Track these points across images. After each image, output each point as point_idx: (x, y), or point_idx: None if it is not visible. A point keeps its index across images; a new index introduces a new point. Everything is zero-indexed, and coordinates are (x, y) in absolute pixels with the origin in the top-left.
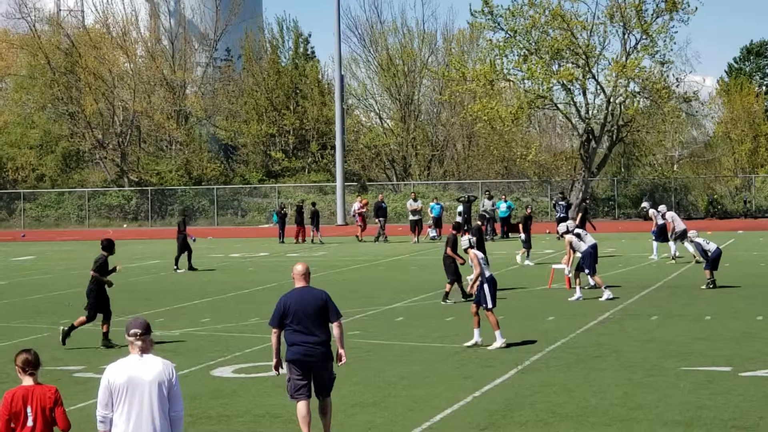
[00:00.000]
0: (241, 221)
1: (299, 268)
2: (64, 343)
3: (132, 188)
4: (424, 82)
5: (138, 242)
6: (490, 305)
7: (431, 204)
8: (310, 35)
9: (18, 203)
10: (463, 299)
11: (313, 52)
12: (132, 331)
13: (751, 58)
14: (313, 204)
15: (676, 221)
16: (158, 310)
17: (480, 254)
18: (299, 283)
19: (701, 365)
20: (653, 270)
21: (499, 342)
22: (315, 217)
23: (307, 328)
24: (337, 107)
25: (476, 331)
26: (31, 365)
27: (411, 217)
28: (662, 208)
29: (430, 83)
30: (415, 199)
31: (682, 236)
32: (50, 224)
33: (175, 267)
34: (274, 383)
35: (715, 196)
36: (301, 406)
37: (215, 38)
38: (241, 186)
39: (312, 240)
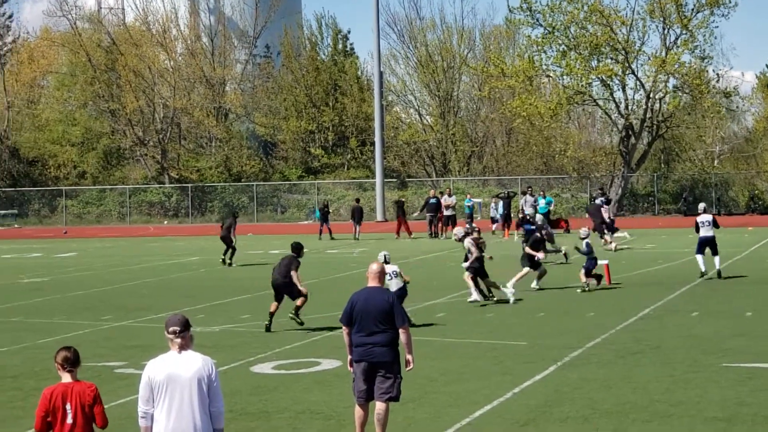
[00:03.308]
0: (281, 218)
1: (374, 267)
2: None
3: (172, 185)
4: (463, 78)
5: (178, 239)
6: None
7: (465, 200)
8: (349, 32)
9: (60, 200)
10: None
11: (352, 49)
12: (171, 329)
13: None
14: (357, 200)
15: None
16: (198, 307)
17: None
18: (371, 283)
19: (742, 361)
20: (693, 266)
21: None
22: (357, 213)
23: (368, 329)
24: (377, 103)
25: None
26: (71, 362)
27: (445, 213)
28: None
29: (469, 79)
30: (449, 195)
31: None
32: (92, 221)
33: (230, 262)
34: (315, 379)
35: (756, 192)
36: (358, 408)
37: (254, 35)
38: (280, 182)
39: (355, 236)
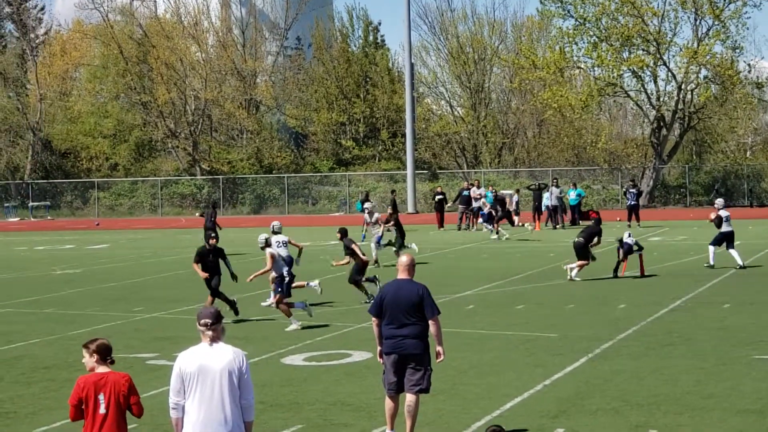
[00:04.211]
0: (312, 210)
1: (404, 259)
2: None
3: (204, 177)
4: (495, 70)
5: None
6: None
7: (486, 192)
8: (380, 23)
9: (92, 192)
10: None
11: (383, 41)
12: (203, 321)
13: None
14: (393, 192)
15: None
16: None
17: (275, 251)
18: (402, 275)
19: None
20: (726, 258)
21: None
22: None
23: (398, 321)
24: (408, 95)
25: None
26: (103, 353)
27: (474, 204)
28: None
29: (500, 71)
30: (477, 186)
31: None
32: (124, 213)
33: None
34: (347, 371)
35: None
36: (389, 400)
37: (285, 27)
38: (311, 174)
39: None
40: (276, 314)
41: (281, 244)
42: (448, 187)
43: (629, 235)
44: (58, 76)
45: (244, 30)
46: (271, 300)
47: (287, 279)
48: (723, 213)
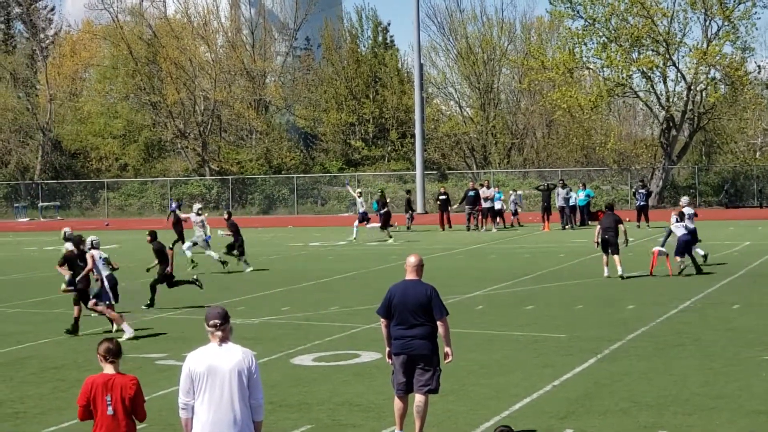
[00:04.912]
0: (321, 210)
1: (411, 260)
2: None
3: (213, 177)
4: (504, 71)
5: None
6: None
7: (496, 193)
8: (389, 24)
9: (102, 192)
10: None
11: (392, 41)
12: (212, 321)
13: None
14: (408, 192)
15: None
16: (238, 299)
17: (97, 253)
18: (409, 276)
19: None
20: (735, 258)
21: (128, 333)
22: (408, 205)
23: (407, 322)
24: (417, 96)
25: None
26: (113, 354)
27: (484, 205)
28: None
29: (509, 71)
30: (488, 187)
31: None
32: (133, 213)
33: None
34: (355, 372)
35: None
36: (398, 400)
37: (295, 27)
38: (320, 175)
39: (408, 227)
40: (286, 314)
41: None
42: (457, 187)
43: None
44: (67, 76)
45: (253, 30)
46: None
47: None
48: (687, 210)
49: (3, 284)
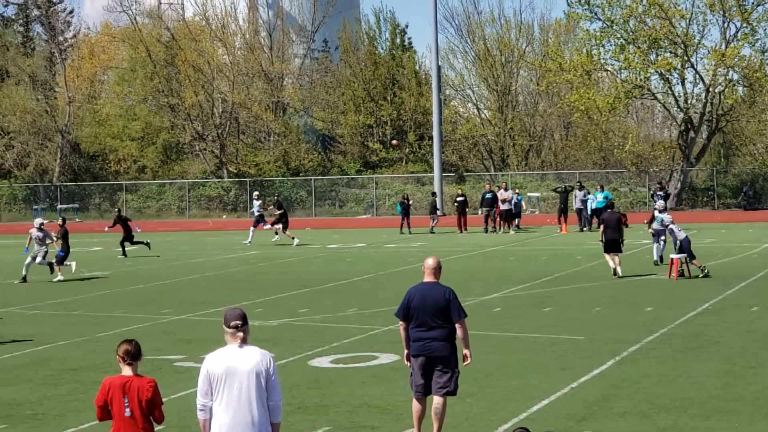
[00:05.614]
0: (339, 212)
1: (430, 262)
2: None
3: (231, 179)
4: (522, 73)
5: (237, 233)
6: None
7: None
8: (407, 26)
9: (120, 194)
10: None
11: (410, 43)
12: (233, 323)
13: None
14: (433, 194)
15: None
16: (257, 301)
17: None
18: (427, 278)
19: None
20: (754, 260)
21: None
22: (433, 207)
23: (425, 324)
24: (435, 98)
25: None
26: (132, 356)
27: (502, 207)
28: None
29: (527, 73)
30: (505, 189)
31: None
32: (151, 215)
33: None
34: (373, 374)
35: None
36: (416, 402)
37: (313, 30)
38: (338, 177)
39: (431, 230)
40: (304, 316)
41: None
42: (475, 190)
43: (679, 229)
44: (86, 78)
45: (271, 33)
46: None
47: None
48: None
49: (22, 286)
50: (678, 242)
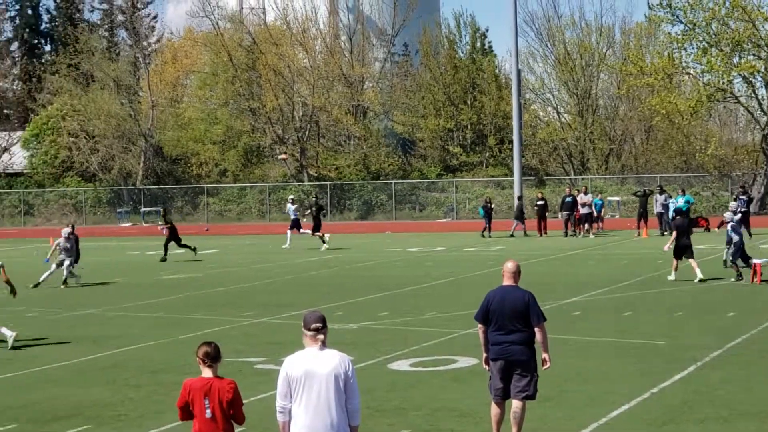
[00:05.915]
0: (419, 216)
1: (509, 265)
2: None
3: (311, 183)
4: (602, 76)
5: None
6: None
7: (594, 199)
8: (487, 30)
9: (202, 198)
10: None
11: (490, 47)
12: (313, 326)
13: None
14: (519, 197)
15: None
16: (336, 304)
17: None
18: (506, 282)
19: None
20: None
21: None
22: (520, 211)
23: (504, 328)
24: (515, 102)
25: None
26: (211, 358)
27: (581, 211)
28: None
29: (607, 77)
30: (585, 193)
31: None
32: (233, 218)
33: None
34: (453, 377)
35: None
36: (495, 406)
37: (393, 34)
38: (418, 180)
39: (512, 234)
40: (383, 319)
41: None
42: (555, 193)
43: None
44: (169, 83)
45: (351, 36)
46: None
47: None
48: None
49: (106, 288)
50: (732, 242)
